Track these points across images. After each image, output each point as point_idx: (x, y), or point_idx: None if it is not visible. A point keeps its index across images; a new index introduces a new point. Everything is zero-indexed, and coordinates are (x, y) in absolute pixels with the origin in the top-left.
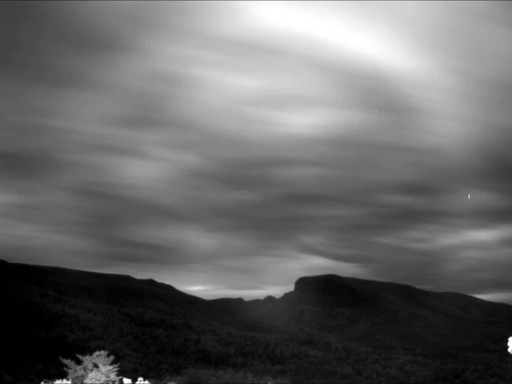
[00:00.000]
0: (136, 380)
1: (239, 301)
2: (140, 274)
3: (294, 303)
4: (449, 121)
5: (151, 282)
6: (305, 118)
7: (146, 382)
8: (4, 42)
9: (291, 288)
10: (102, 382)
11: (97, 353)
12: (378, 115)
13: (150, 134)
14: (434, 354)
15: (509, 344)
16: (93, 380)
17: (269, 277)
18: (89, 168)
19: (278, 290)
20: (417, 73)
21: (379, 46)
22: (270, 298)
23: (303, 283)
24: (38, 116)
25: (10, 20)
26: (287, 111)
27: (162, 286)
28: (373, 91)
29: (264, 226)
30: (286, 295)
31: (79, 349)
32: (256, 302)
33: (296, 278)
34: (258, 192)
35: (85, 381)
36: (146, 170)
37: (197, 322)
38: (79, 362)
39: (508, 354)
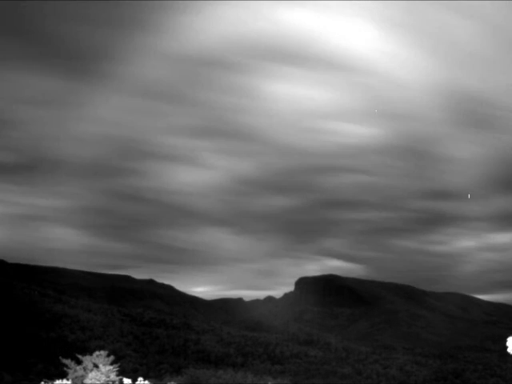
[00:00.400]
0: (136, 380)
1: (239, 301)
2: (140, 273)
3: (294, 303)
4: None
5: (151, 281)
6: (361, 128)
7: (146, 381)
8: (86, 50)
9: (291, 288)
10: (102, 382)
11: (97, 353)
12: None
13: (211, 143)
14: (434, 354)
15: (508, 344)
16: (93, 380)
17: (284, 278)
18: (140, 174)
19: (278, 290)
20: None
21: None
22: (269, 298)
23: (303, 283)
24: (97, 125)
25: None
26: (345, 122)
27: (162, 286)
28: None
29: (293, 229)
30: (286, 295)
31: (79, 349)
32: (256, 302)
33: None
34: (300, 197)
35: (85, 381)
36: (194, 176)
37: (197, 321)
38: (79, 362)
39: (508, 354)
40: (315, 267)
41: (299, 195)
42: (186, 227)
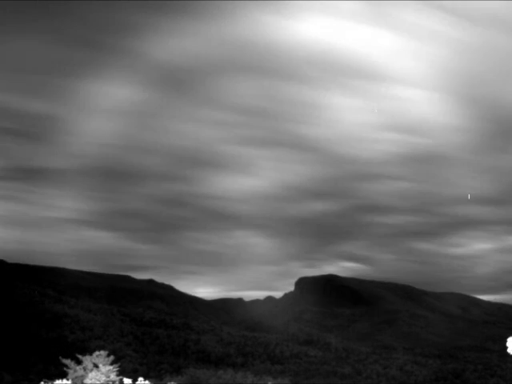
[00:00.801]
0: (136, 380)
1: (239, 301)
2: (140, 274)
3: (293, 303)
4: None
5: (151, 281)
6: (409, 137)
7: (147, 382)
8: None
9: (291, 288)
10: (102, 382)
11: (97, 353)
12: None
13: (266, 151)
14: (434, 354)
15: (508, 344)
16: (93, 380)
17: (295, 279)
18: (183, 180)
19: (278, 290)
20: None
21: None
22: (270, 298)
23: (303, 283)
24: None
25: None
26: (398, 132)
27: (162, 286)
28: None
29: (320, 232)
30: (286, 295)
31: (79, 349)
32: (256, 302)
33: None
34: (336, 203)
35: (85, 381)
36: (239, 183)
37: (197, 322)
38: (79, 362)
39: (508, 354)
40: (333, 269)
41: (336, 201)
42: (222, 231)
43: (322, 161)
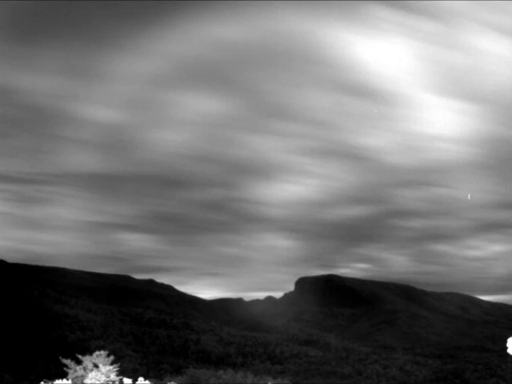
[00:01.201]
0: (136, 380)
1: (239, 301)
2: (140, 274)
3: (294, 303)
4: None
5: (151, 282)
6: (458, 147)
7: (147, 381)
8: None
9: (291, 288)
10: (102, 382)
11: (97, 353)
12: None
13: (317, 160)
14: (434, 354)
15: (508, 344)
16: (93, 380)
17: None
18: (222, 186)
19: (278, 290)
20: None
21: None
22: (269, 298)
23: (303, 283)
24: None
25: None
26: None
27: (162, 286)
28: None
29: (346, 236)
30: (286, 295)
31: (79, 349)
32: (256, 302)
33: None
34: (372, 209)
35: (85, 381)
36: (285, 190)
37: (197, 322)
38: (79, 362)
39: (508, 354)
40: (345, 271)
41: (371, 206)
42: (249, 233)
43: (372, 169)
